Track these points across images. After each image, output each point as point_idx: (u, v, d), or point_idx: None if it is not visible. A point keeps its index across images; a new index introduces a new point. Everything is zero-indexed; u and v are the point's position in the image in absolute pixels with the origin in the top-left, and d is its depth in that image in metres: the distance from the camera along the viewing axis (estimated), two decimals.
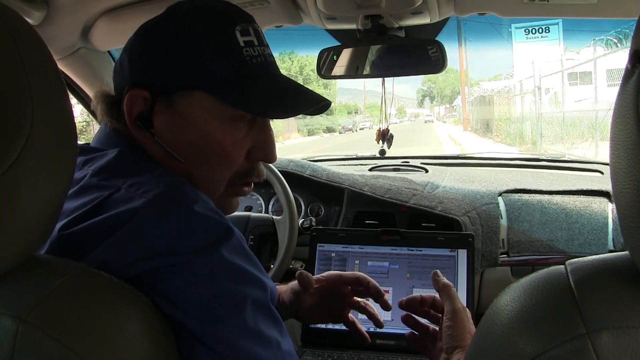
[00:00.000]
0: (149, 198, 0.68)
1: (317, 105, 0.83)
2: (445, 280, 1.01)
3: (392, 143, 1.92)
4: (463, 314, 0.96)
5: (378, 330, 1.43)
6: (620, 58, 9.96)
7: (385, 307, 1.12)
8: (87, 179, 0.74)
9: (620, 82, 0.51)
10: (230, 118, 0.79)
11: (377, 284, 1.13)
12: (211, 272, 0.67)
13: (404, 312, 1.07)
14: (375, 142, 1.92)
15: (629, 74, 0.49)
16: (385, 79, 1.70)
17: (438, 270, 1.03)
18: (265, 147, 0.84)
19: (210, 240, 0.68)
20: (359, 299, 1.17)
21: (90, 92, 1.61)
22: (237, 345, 0.67)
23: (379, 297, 1.12)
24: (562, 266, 0.54)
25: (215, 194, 0.83)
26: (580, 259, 0.55)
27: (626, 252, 0.52)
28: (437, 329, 1.03)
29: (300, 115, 0.89)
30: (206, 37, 0.77)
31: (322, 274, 1.16)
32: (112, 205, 0.69)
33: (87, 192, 0.72)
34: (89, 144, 0.85)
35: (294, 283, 1.15)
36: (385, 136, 1.90)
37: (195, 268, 0.66)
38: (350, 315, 1.19)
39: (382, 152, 2.00)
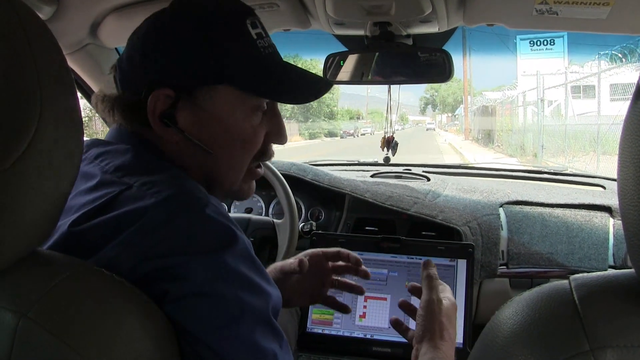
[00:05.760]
0: (159, 199, 0.69)
1: (327, 89, 0.90)
2: (431, 271, 1.01)
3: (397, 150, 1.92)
4: (436, 305, 0.97)
5: (375, 337, 1.43)
6: (625, 73, 9.97)
7: (365, 275, 1.15)
8: (104, 175, 0.74)
9: (631, 98, 0.51)
10: (251, 107, 0.83)
11: (356, 255, 1.17)
12: (211, 277, 0.67)
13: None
14: (379, 148, 1.92)
15: None
16: (391, 86, 1.70)
17: (430, 260, 1.03)
18: (280, 131, 0.90)
19: (215, 244, 0.68)
20: (336, 277, 1.19)
21: (95, 88, 1.61)
22: (229, 355, 0.66)
23: (358, 265, 1.16)
24: (566, 281, 0.54)
25: (239, 179, 0.87)
26: (585, 274, 0.54)
27: (631, 270, 0.52)
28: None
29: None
30: (223, 33, 0.79)
31: (305, 252, 1.18)
32: (122, 202, 0.69)
33: (100, 188, 0.72)
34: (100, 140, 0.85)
35: (283, 263, 1.16)
36: (390, 143, 1.90)
37: (197, 270, 0.66)
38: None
39: (387, 159, 2.00)
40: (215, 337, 0.66)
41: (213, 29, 0.79)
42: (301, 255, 1.16)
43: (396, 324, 1.08)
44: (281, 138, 0.91)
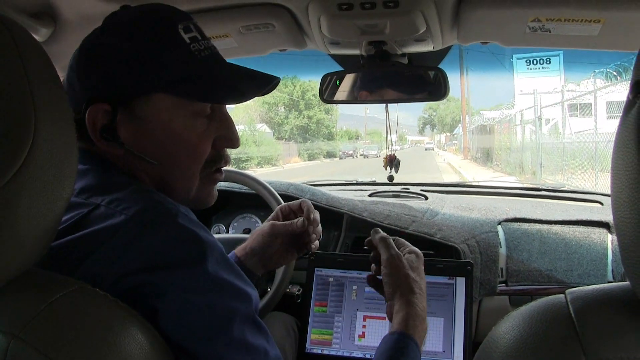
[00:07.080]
0: (129, 215, 0.69)
1: (269, 86, 0.86)
2: (381, 234, 1.06)
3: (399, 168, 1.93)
4: (397, 260, 1.00)
5: None
6: (620, 91, 10.03)
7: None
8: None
9: (622, 112, 0.51)
10: (192, 113, 0.81)
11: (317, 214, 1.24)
12: (197, 287, 0.68)
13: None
14: (378, 168, 1.92)
15: (630, 105, 0.49)
16: (389, 105, 1.70)
17: (376, 228, 1.08)
18: (229, 135, 0.88)
19: (194, 255, 0.69)
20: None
21: None
22: (227, 358, 0.69)
23: (315, 225, 1.23)
24: (562, 295, 0.54)
25: (192, 187, 0.86)
26: (580, 288, 0.54)
27: (627, 282, 0.52)
28: None
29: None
30: (153, 41, 0.79)
31: (277, 208, 1.26)
32: (92, 221, 0.70)
33: (68, 210, 0.72)
34: None
35: (262, 229, 1.22)
36: (392, 162, 1.90)
37: (181, 283, 0.67)
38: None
39: (391, 177, 2.00)
40: (211, 345, 0.68)
41: (140, 39, 0.79)
42: (277, 211, 1.24)
43: (372, 280, 1.09)
44: (232, 142, 0.89)
